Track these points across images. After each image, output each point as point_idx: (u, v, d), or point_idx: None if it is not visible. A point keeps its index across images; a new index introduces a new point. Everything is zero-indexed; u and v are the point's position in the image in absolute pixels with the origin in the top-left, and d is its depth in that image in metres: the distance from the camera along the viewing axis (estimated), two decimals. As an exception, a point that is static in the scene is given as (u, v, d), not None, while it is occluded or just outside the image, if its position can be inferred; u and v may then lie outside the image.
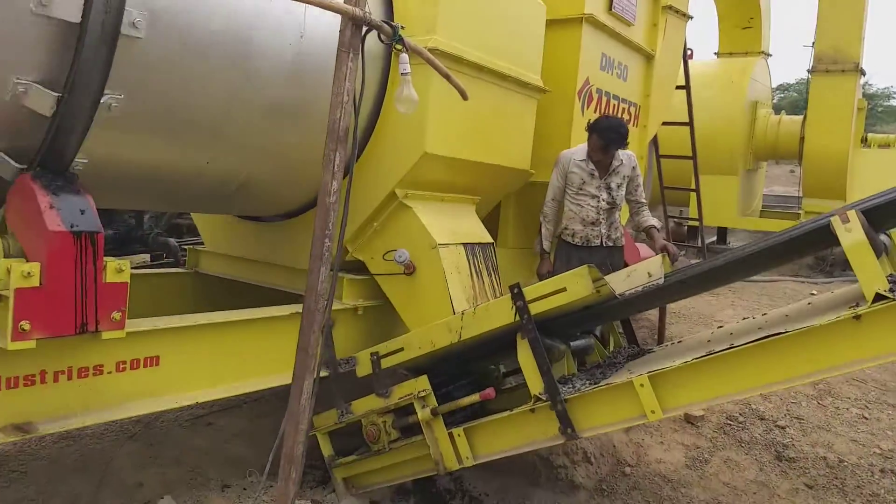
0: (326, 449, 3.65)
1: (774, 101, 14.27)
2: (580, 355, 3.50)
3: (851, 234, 2.46)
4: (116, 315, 2.51)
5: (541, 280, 3.65)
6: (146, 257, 7.65)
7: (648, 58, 5.59)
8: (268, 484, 3.37)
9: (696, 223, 9.34)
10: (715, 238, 13.21)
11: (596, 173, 4.39)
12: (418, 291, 3.62)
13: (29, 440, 3.73)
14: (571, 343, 3.31)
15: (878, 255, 2.46)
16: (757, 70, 12.21)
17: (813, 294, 8.95)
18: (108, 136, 2.60)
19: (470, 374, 3.71)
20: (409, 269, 3.59)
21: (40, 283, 2.30)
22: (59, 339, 2.44)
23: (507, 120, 4.15)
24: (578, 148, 4.45)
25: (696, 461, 4.25)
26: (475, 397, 3.17)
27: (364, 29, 2.50)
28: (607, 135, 4.23)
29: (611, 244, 4.52)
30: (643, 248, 5.31)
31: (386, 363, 3.45)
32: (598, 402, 2.90)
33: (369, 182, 3.64)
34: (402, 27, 2.65)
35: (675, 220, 11.33)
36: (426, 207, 3.71)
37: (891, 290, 2.36)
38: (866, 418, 4.75)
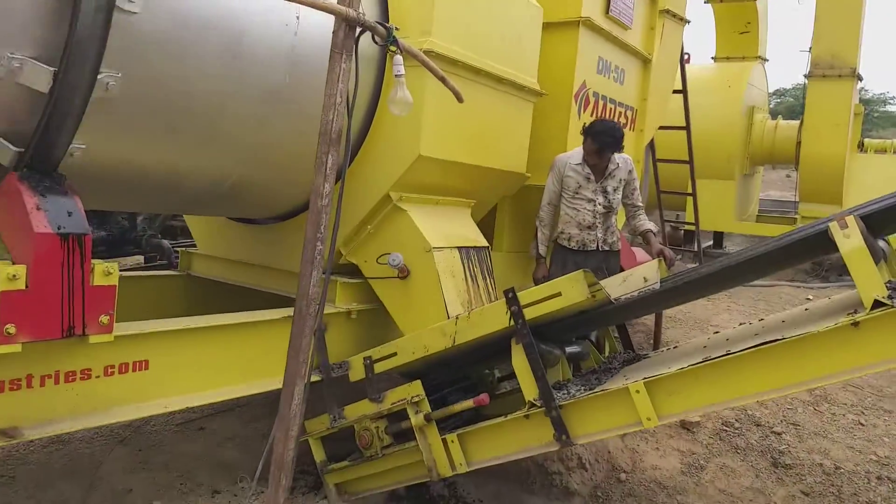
0: (318, 454, 3.60)
1: (771, 106, 14.30)
2: (575, 361, 3.48)
3: (850, 240, 2.43)
4: (104, 318, 2.47)
5: (537, 285, 3.62)
6: (140, 259, 7.62)
7: (645, 61, 5.58)
8: (258, 490, 3.32)
9: (693, 227, 9.33)
10: (711, 242, 13.20)
11: (592, 177, 4.37)
12: (412, 295, 3.59)
13: (17, 445, 3.69)
14: (567, 348, 3.28)
15: (877, 262, 2.43)
16: (754, 75, 12.22)
17: (809, 299, 8.97)
18: (104, 122, 2.54)
19: (464, 378, 3.69)
20: (403, 273, 3.55)
21: (26, 286, 2.25)
22: (46, 343, 2.40)
23: (503, 123, 4.12)
24: (574, 152, 4.42)
25: (692, 467, 4.22)
26: (469, 403, 3.14)
27: (358, 30, 2.47)
28: (602, 138, 4.20)
29: (607, 248, 4.50)
30: (639, 253, 5.29)
31: (379, 368, 3.41)
32: (593, 408, 2.86)
33: (364, 185, 3.61)
34: (397, 28, 2.62)
35: (672, 224, 11.35)
36: (421, 210, 3.67)
37: (889, 297, 2.33)
38: (862, 424, 4.73)
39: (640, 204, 4.61)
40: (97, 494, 3.54)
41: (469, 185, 4.06)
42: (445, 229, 3.74)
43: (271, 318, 3.26)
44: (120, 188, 3.07)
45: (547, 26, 4.35)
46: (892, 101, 34.67)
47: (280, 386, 2.74)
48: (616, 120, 5.08)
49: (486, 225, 4.55)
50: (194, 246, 4.62)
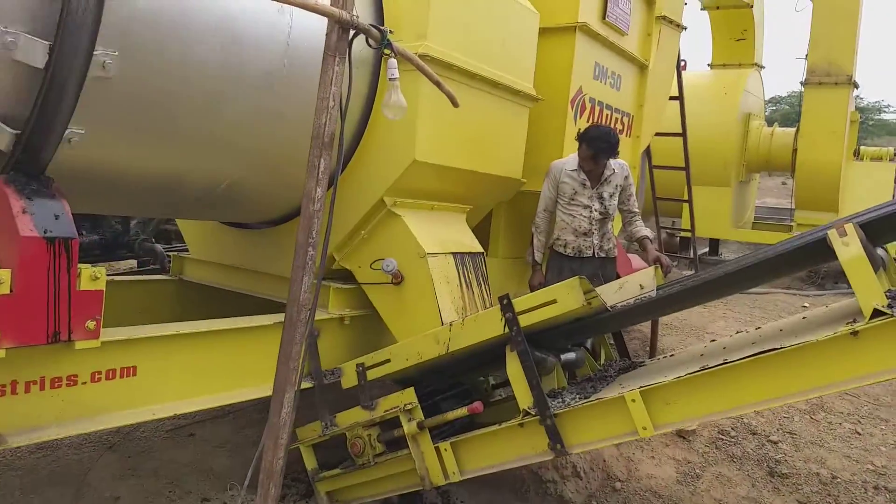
0: (310, 462, 3.56)
1: (766, 113, 14.30)
2: (570, 368, 3.44)
3: (849, 249, 2.40)
4: (91, 324, 2.42)
5: (533, 292, 3.59)
6: (133, 263, 7.57)
7: (642, 68, 5.56)
8: (248, 498, 3.27)
9: (689, 234, 9.32)
10: (707, 249, 13.21)
11: (587, 183, 4.34)
12: (406, 301, 3.55)
13: (2, 451, 3.63)
14: (562, 356, 3.25)
15: (876, 270, 2.41)
16: (750, 82, 12.24)
17: (805, 306, 8.96)
18: (102, 105, 2.48)
19: (458, 385, 3.65)
20: (397, 279, 3.51)
21: (10, 290, 2.20)
22: (31, 348, 2.35)
23: (499, 128, 4.09)
24: (570, 158, 4.40)
25: (688, 476, 4.18)
26: (463, 411, 3.10)
27: (351, 33, 2.43)
28: (596, 144, 4.18)
29: (603, 255, 4.47)
30: (635, 260, 5.26)
31: (372, 375, 3.37)
32: (588, 417, 2.82)
33: (358, 189, 3.58)
34: (391, 32, 2.59)
35: (668, 230, 11.34)
36: (415, 216, 3.64)
37: (889, 306, 2.30)
38: (859, 433, 4.70)
39: (637, 210, 4.58)
40: (84, 502, 3.50)
41: (464, 191, 4.03)
42: (440, 235, 3.71)
43: (262, 324, 3.21)
44: (112, 189, 3.01)
45: (543, 31, 4.33)
46: (886, 109, 34.80)
47: (271, 393, 2.69)
48: (612, 126, 5.06)
49: (481, 231, 4.51)
50: (187, 250, 4.57)
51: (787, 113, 29.58)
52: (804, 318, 3.03)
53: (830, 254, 2.49)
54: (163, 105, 2.72)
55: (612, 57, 5.02)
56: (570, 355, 3.34)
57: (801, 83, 11.37)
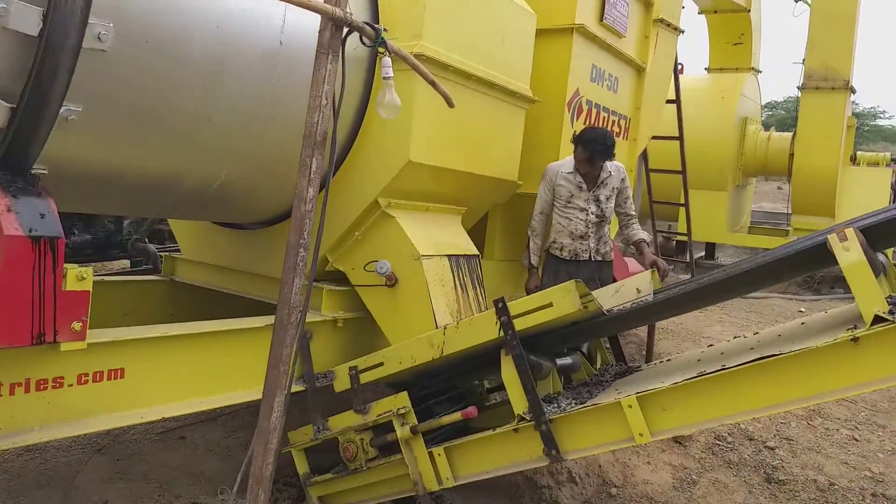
0: (302, 466, 3.51)
1: (763, 118, 14.29)
2: (566, 373, 3.40)
3: (849, 254, 2.36)
4: (77, 325, 2.37)
5: (529, 295, 3.55)
6: (126, 263, 7.50)
7: (639, 70, 5.53)
8: (238, 501, 3.22)
9: (685, 238, 9.30)
10: (703, 253, 13.19)
11: (584, 186, 4.30)
12: (400, 304, 3.51)
13: (-11, 453, 3.58)
14: (557, 360, 3.21)
15: (877, 275, 2.37)
16: (747, 86, 12.24)
17: (801, 311, 8.93)
18: (98, 78, 2.43)
19: (453, 389, 3.61)
20: (391, 281, 3.47)
21: (-6, 291, 2.16)
22: (16, 350, 2.31)
23: (495, 129, 4.05)
24: (566, 160, 4.36)
25: (684, 482, 4.14)
26: (457, 416, 3.05)
27: (345, 30, 2.39)
28: (591, 146, 4.14)
29: (600, 258, 4.43)
30: (632, 263, 5.23)
31: (365, 378, 3.32)
32: (584, 423, 2.78)
33: (351, 190, 3.54)
34: (385, 30, 2.55)
35: (664, 234, 11.32)
36: (410, 217, 3.60)
37: (890, 312, 2.26)
38: (857, 440, 4.66)
39: (634, 213, 4.54)
40: (72, 506, 3.44)
41: (460, 193, 3.99)
42: (435, 237, 3.66)
43: (253, 326, 3.17)
44: (105, 184, 2.93)
45: (540, 33, 4.29)
46: (882, 115, 34.96)
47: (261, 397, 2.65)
48: (609, 129, 5.02)
49: (476, 233, 4.47)
50: (180, 251, 4.52)
51: (782, 118, 29.67)
52: (803, 323, 2.99)
53: (830, 259, 2.46)
54: (158, 80, 2.65)
55: (609, 59, 4.99)
56: (566, 360, 3.30)
57: (798, 88, 11.37)
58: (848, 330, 2.35)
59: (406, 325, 3.46)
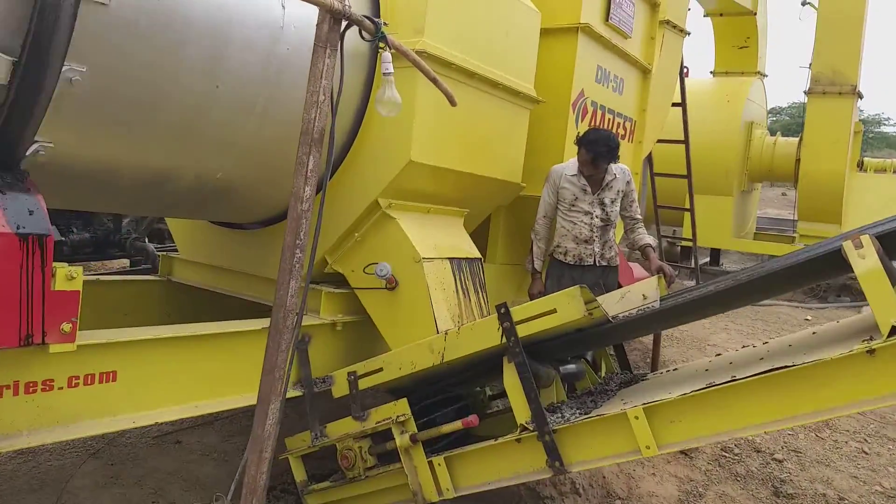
0: (299, 473, 3.43)
1: (768, 123, 14.20)
2: (570, 381, 3.33)
3: (865, 261, 2.28)
4: (66, 326, 2.29)
5: (532, 300, 3.47)
6: (125, 262, 7.44)
7: (645, 72, 5.45)
8: (233, 508, 3.15)
9: (690, 243, 9.21)
10: (708, 259, 13.09)
11: (588, 188, 4.22)
12: (400, 308, 3.43)
13: (-20, 457, 3.52)
14: (561, 368, 3.13)
15: (894, 284, 2.28)
16: (753, 90, 12.15)
17: (808, 319, 8.83)
18: (98, 38, 2.32)
19: (454, 395, 3.52)
20: (391, 284, 3.39)
21: (-21, 290, 2.09)
22: (2, 351, 2.23)
23: (498, 130, 3.97)
24: (570, 162, 4.28)
25: (690, 495, 4.05)
26: (457, 425, 2.97)
27: (344, 24, 2.31)
28: (595, 147, 4.06)
29: (605, 263, 4.35)
30: (637, 269, 5.14)
31: (364, 384, 3.25)
32: (588, 434, 2.69)
33: (351, 190, 3.46)
34: (386, 24, 2.47)
35: (669, 239, 11.23)
36: (411, 219, 3.52)
37: (908, 323, 2.18)
38: (866, 453, 4.56)
39: (639, 217, 4.46)
40: (63, 512, 3.37)
41: (462, 194, 3.91)
42: (436, 239, 3.58)
43: (249, 328, 3.09)
44: (95, 182, 2.85)
45: (545, 32, 4.22)
46: (887, 122, 34.80)
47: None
48: (614, 131, 4.94)
49: (479, 236, 4.39)
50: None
51: (787, 124, 29.55)
52: (814, 333, 2.90)
53: (845, 266, 2.37)
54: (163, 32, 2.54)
55: (614, 60, 4.91)
56: (570, 367, 3.23)
57: (805, 92, 11.27)
58: (863, 341, 2.27)
59: (406, 330, 3.38)
